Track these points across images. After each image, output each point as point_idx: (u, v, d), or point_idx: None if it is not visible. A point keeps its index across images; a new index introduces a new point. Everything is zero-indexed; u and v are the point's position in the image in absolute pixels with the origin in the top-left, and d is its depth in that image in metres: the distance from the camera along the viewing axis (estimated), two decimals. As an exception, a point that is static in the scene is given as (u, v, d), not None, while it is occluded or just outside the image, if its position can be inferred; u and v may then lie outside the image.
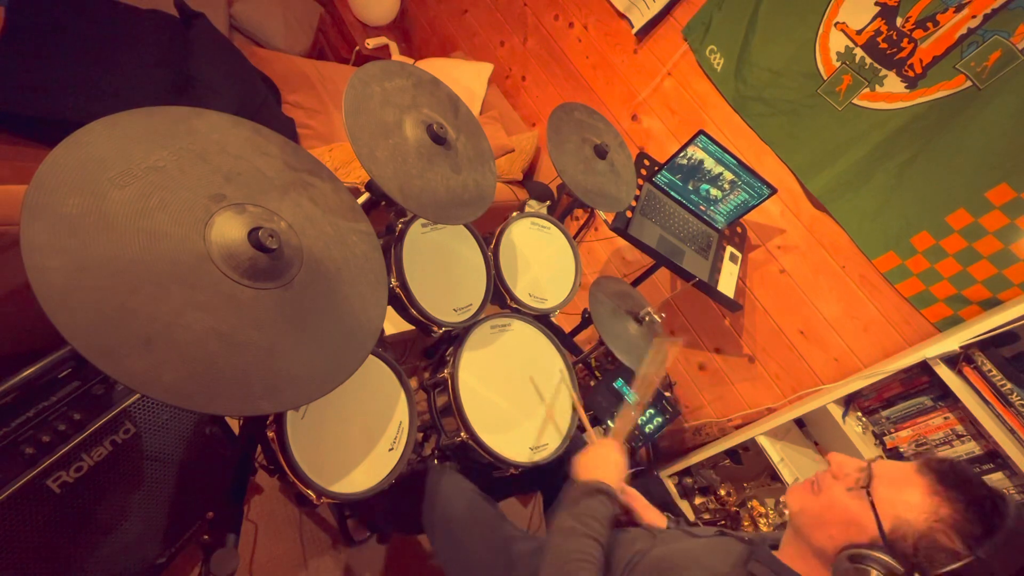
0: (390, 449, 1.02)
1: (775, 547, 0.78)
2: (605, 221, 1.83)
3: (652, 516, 1.07)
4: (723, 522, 2.01)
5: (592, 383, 2.13)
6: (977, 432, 1.42)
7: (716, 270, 1.78)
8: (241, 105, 1.72)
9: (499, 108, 2.53)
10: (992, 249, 1.46)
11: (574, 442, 1.22)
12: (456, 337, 1.21)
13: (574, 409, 1.25)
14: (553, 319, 1.53)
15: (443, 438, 1.18)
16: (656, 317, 1.47)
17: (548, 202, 2.33)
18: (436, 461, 1.23)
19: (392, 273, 1.11)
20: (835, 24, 1.63)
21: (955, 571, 0.59)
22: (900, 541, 0.63)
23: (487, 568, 1.00)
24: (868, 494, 0.67)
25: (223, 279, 0.64)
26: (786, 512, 0.79)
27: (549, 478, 1.28)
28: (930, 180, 1.54)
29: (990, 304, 1.48)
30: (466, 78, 2.54)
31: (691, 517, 2.07)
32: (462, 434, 1.09)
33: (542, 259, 1.43)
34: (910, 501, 0.65)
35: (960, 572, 0.59)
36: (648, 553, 0.81)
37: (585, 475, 0.90)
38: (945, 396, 1.47)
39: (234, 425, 1.21)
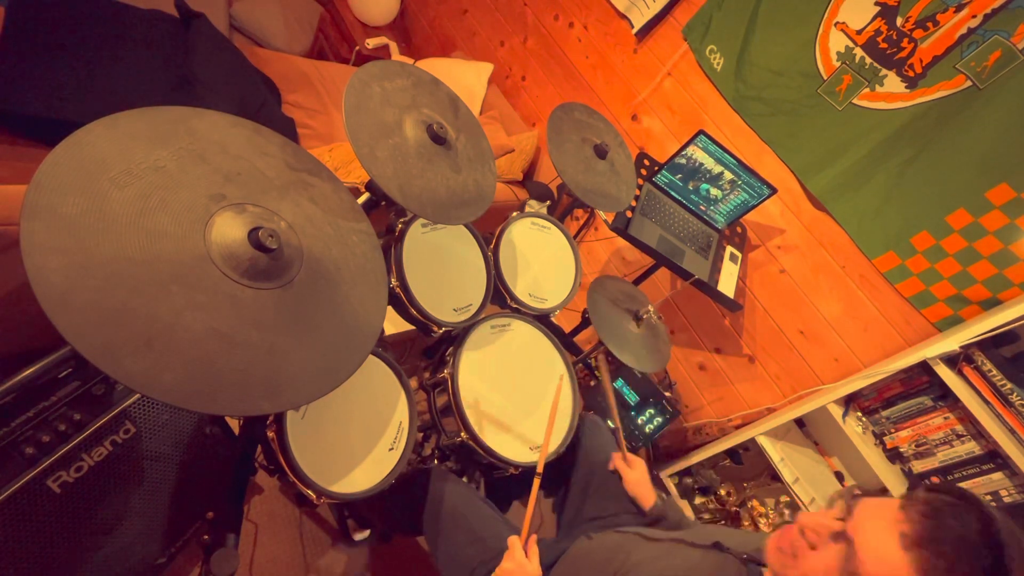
0: (390, 449, 1.02)
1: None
2: (605, 221, 1.83)
3: (644, 491, 1.11)
4: (722, 521, 2.01)
5: (592, 383, 2.13)
6: (977, 432, 1.42)
7: (716, 270, 1.78)
8: (241, 105, 1.72)
9: (499, 108, 2.53)
10: (992, 249, 1.46)
11: (575, 441, 1.22)
12: (456, 337, 1.21)
13: (574, 408, 1.25)
14: (553, 319, 1.53)
15: (443, 438, 1.18)
16: (655, 317, 1.47)
17: (548, 202, 2.33)
18: (436, 461, 1.23)
19: (392, 273, 1.11)
20: (835, 24, 1.63)
21: None
22: None
23: (476, 563, 1.00)
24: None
25: (223, 279, 0.64)
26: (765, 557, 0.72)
27: (550, 478, 1.28)
28: (930, 180, 1.54)
29: (990, 304, 1.48)
30: (466, 78, 2.54)
31: (691, 517, 2.07)
32: (462, 434, 1.09)
33: (542, 259, 1.43)
34: None
35: None
36: (641, 568, 0.81)
37: None
38: (945, 396, 1.47)
39: (234, 425, 1.21)
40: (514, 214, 1.43)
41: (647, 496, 1.12)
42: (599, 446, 1.25)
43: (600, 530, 1.08)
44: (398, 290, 1.11)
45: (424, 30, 2.97)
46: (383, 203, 0.98)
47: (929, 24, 1.47)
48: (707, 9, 1.86)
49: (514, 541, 0.91)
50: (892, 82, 1.56)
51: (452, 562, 1.03)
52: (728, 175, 1.77)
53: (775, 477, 1.80)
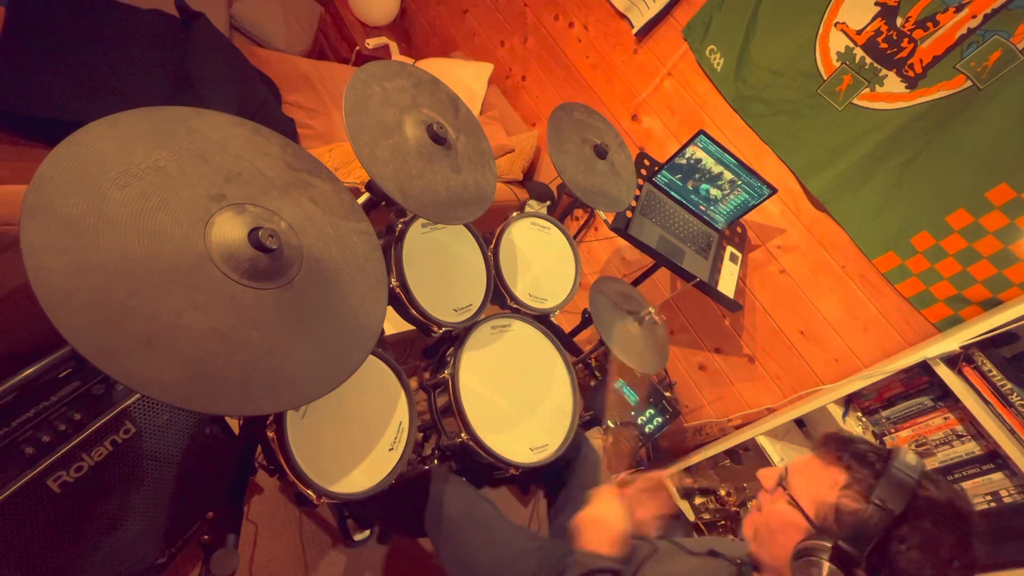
0: (390, 449, 1.02)
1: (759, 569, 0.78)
2: (605, 221, 1.83)
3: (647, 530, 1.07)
4: (722, 521, 2.00)
5: (592, 383, 2.13)
6: (977, 432, 1.42)
7: (716, 270, 1.78)
8: (241, 105, 1.71)
9: (499, 108, 2.53)
10: (992, 249, 1.46)
11: (574, 442, 1.22)
12: (456, 337, 1.21)
13: (574, 408, 1.25)
14: (553, 319, 1.53)
15: (443, 438, 1.18)
16: (656, 318, 1.47)
17: (548, 202, 2.33)
18: (436, 461, 1.23)
19: (392, 273, 1.11)
20: (835, 24, 1.63)
21: (862, 524, 0.63)
22: (825, 521, 0.66)
23: (485, 564, 1.00)
24: (785, 490, 0.72)
25: (223, 279, 0.64)
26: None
27: (550, 477, 1.28)
28: (930, 180, 1.54)
29: (990, 304, 1.48)
30: (466, 78, 2.54)
31: (691, 517, 2.07)
32: (462, 435, 1.09)
33: (542, 259, 1.43)
34: (815, 480, 0.70)
35: (867, 524, 0.63)
36: (642, 571, 0.84)
37: (586, 542, 0.84)
38: (945, 396, 1.46)
39: (234, 425, 1.21)
40: (514, 214, 1.43)
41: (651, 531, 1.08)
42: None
43: None
44: (398, 290, 1.11)
45: (424, 30, 2.97)
46: (383, 203, 0.98)
47: (929, 24, 1.47)
48: (707, 9, 1.86)
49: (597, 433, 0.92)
50: (892, 82, 1.56)
51: (458, 565, 1.03)
52: (728, 175, 1.77)
53: (775, 477, 1.79)
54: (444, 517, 1.05)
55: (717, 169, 1.78)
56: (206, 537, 0.85)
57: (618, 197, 1.42)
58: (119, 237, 0.58)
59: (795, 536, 0.68)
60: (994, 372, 1.33)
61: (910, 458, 0.66)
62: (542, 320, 1.35)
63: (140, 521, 1.01)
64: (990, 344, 1.35)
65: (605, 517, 0.86)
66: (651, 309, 1.46)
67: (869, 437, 1.62)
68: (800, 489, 0.71)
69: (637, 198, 1.78)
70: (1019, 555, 1.30)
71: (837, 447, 0.71)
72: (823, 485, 0.68)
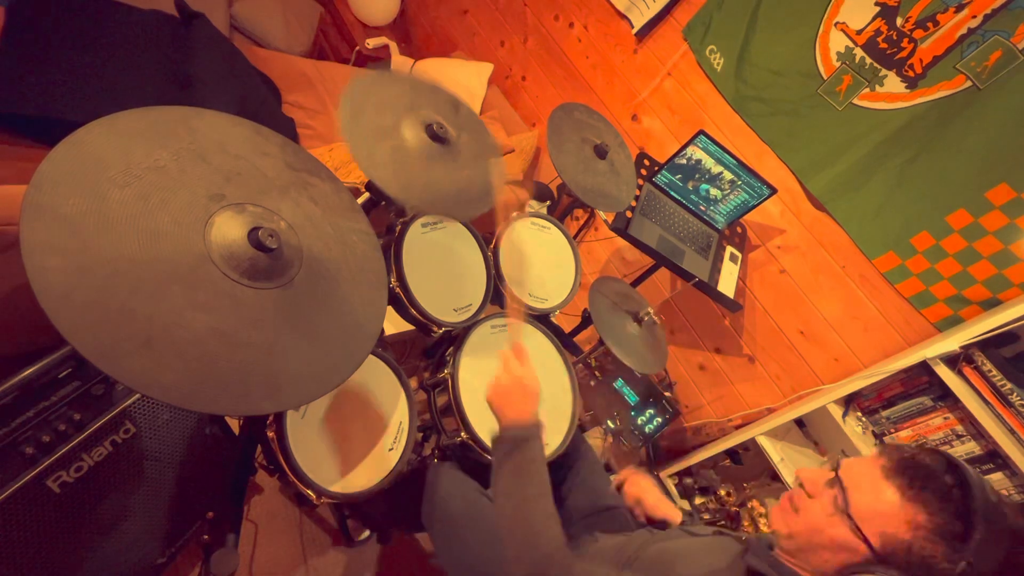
0: (390, 449, 1.02)
1: (772, 548, 0.78)
2: (605, 221, 1.83)
3: (666, 509, 1.09)
4: (721, 522, 2.00)
5: (592, 383, 2.13)
6: (977, 432, 1.42)
7: (716, 270, 1.78)
8: (241, 105, 1.71)
9: (499, 108, 2.53)
10: (992, 249, 1.46)
11: (574, 441, 1.22)
12: (456, 337, 1.21)
13: (574, 408, 1.25)
14: (553, 319, 1.53)
15: (443, 438, 1.18)
16: (656, 318, 1.47)
17: (548, 202, 2.33)
18: (436, 461, 1.23)
19: (392, 273, 1.11)
20: (835, 24, 1.63)
21: (935, 569, 0.61)
22: (892, 556, 0.63)
23: (485, 562, 1.00)
24: (849, 517, 0.66)
25: (223, 279, 0.64)
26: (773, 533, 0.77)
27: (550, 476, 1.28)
28: (930, 180, 1.54)
29: (990, 304, 1.48)
30: (466, 78, 2.54)
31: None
32: (462, 434, 1.09)
33: (542, 259, 1.43)
34: (887, 512, 0.64)
35: (943, 574, 0.60)
36: (647, 548, 0.83)
37: (506, 414, 0.87)
38: (945, 396, 1.46)
39: (234, 425, 1.21)
40: (514, 214, 1.43)
41: (672, 513, 1.09)
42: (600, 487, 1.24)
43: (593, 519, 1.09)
44: (398, 290, 1.11)
45: (424, 30, 2.97)
46: (383, 203, 0.98)
47: (929, 24, 1.47)
48: (707, 9, 1.86)
49: (506, 355, 0.90)
50: (892, 82, 1.56)
51: (457, 564, 1.03)
52: (728, 175, 1.77)
53: (775, 477, 1.79)
54: (443, 512, 1.05)
55: (717, 169, 1.78)
56: (206, 537, 0.85)
57: (618, 197, 1.42)
58: (119, 237, 0.58)
59: (846, 557, 0.66)
60: (994, 372, 1.33)
61: (1006, 506, 0.62)
62: (542, 320, 1.35)
63: (140, 521, 1.01)
64: (990, 344, 1.35)
65: (514, 385, 0.87)
66: (650, 309, 1.46)
67: (869, 437, 1.62)
68: (865, 516, 0.65)
69: (637, 198, 1.78)
70: (1019, 555, 1.31)
71: (922, 480, 0.64)
72: (897, 522, 0.63)
